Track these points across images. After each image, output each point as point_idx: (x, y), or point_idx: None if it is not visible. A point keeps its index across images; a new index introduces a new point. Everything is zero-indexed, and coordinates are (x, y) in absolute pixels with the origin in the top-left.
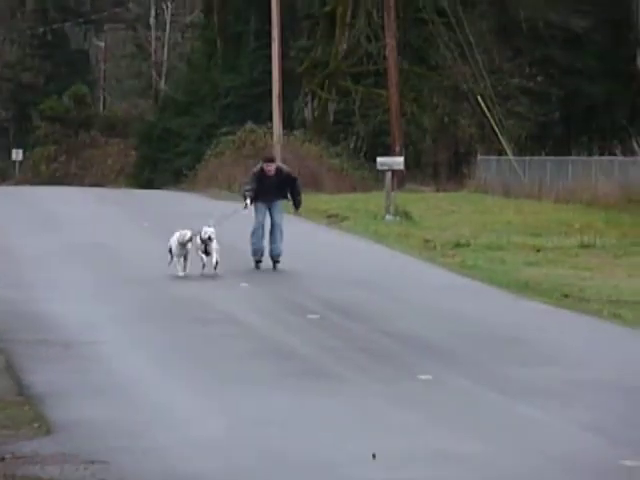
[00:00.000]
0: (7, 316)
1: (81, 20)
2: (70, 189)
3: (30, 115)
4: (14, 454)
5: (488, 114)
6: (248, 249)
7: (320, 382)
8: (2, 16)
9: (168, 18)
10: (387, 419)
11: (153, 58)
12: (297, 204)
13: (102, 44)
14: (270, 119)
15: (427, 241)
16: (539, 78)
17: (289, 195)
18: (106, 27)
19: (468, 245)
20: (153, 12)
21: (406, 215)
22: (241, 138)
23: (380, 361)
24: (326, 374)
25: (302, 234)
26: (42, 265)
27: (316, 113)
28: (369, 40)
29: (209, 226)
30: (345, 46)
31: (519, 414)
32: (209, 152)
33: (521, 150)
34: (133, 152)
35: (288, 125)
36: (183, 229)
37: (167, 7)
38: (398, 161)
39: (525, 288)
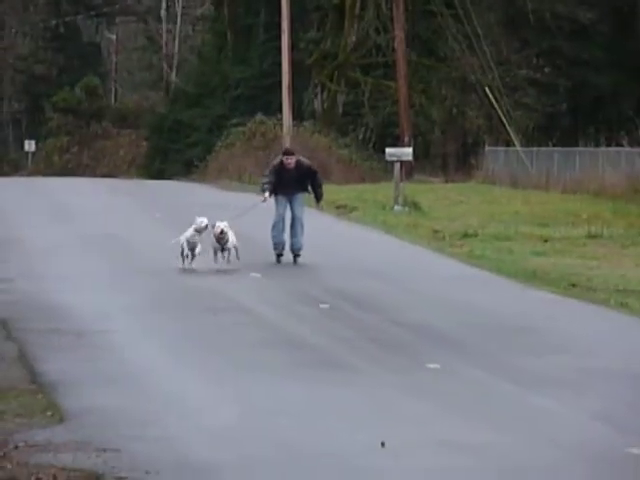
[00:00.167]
0: (20, 306)
1: (93, 13)
2: (82, 180)
3: (43, 107)
4: (27, 442)
5: (496, 105)
6: (263, 240)
7: (331, 371)
8: (15, 9)
9: (179, 11)
10: (398, 408)
11: (164, 50)
12: (318, 197)
13: (114, 37)
14: (280, 110)
15: (436, 231)
16: (546, 69)
17: (310, 188)
18: (118, 20)
19: (476, 235)
20: (164, 5)
21: (415, 206)
22: (251, 129)
23: (391, 351)
24: (337, 363)
25: (311, 224)
26: (55, 256)
27: (325, 104)
28: (378, 32)
29: (221, 220)
30: (354, 38)
31: (529, 403)
32: (219, 143)
33: (529, 141)
34: (144, 143)
35: (298, 116)
36: (197, 223)
37: (178, 0)
38: (407, 152)
39: (533, 278)
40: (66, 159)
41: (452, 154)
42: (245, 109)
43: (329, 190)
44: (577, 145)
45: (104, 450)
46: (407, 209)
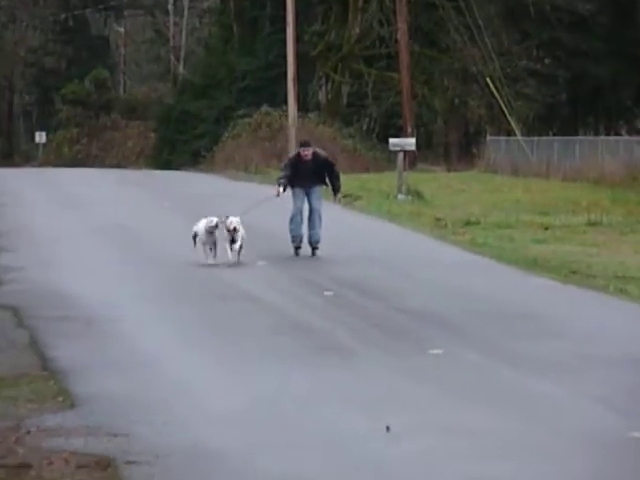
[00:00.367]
0: (31, 294)
1: (101, 6)
2: (91, 170)
3: (53, 99)
4: (39, 427)
5: (497, 95)
6: (270, 230)
7: (336, 357)
8: (25, 3)
9: (186, 4)
10: (401, 393)
11: (171, 43)
12: (336, 190)
13: (122, 30)
14: (285, 102)
15: (438, 220)
16: (546, 60)
17: (327, 180)
18: (126, 13)
19: (478, 223)
20: None
21: (418, 194)
22: (257, 120)
23: (394, 337)
24: (342, 349)
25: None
26: (65, 245)
27: (330, 96)
28: (381, 24)
29: (234, 216)
30: (358, 30)
31: (529, 388)
32: (226, 134)
33: (529, 130)
34: (152, 134)
35: (303, 107)
36: (207, 216)
37: None
38: (410, 142)
39: (534, 265)
40: (76, 150)
41: (454, 144)
42: (251, 100)
43: None
44: (577, 134)
45: (114, 435)
46: (410, 198)
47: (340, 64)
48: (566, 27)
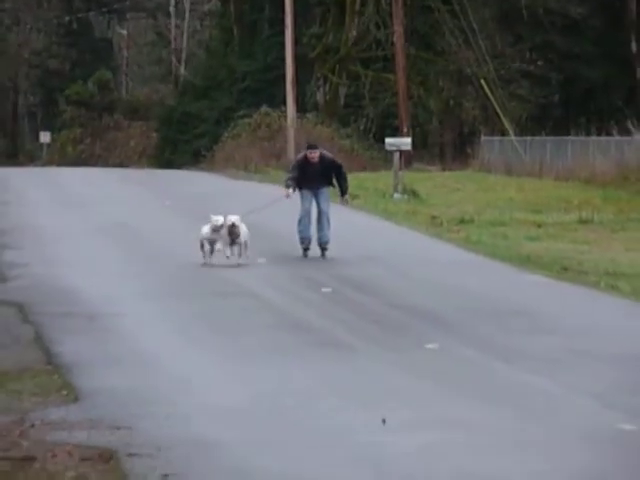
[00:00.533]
0: (35, 290)
1: (105, 9)
2: (95, 170)
3: (57, 100)
4: (43, 420)
5: (491, 97)
6: (271, 228)
7: (334, 352)
8: (29, 5)
9: (187, 7)
10: (398, 387)
11: (173, 45)
12: (343, 191)
13: (125, 32)
14: (284, 102)
15: (433, 218)
16: (539, 62)
17: (334, 182)
18: (128, 16)
19: (472, 221)
20: (173, 1)
21: (413, 193)
22: (257, 121)
23: (391, 332)
24: (340, 345)
25: (313, 212)
26: (68, 243)
27: (328, 97)
28: (378, 27)
29: (234, 214)
30: (355, 33)
31: (523, 383)
32: (226, 134)
33: (522, 131)
34: (154, 134)
35: (301, 108)
36: (212, 218)
37: None
38: (406, 142)
39: (527, 262)
40: (79, 150)
41: (449, 144)
42: (251, 101)
43: None
44: (569, 134)
45: (117, 428)
46: (406, 197)
47: (338, 66)
48: (559, 30)
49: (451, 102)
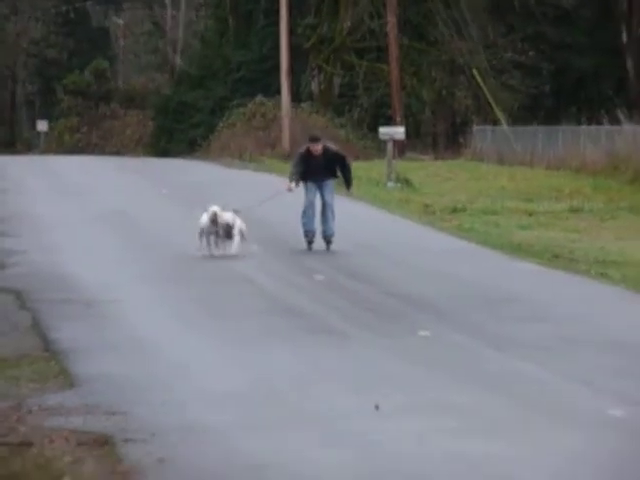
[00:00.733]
0: (33, 277)
1: None
2: (92, 158)
3: (54, 89)
4: (40, 406)
5: (483, 87)
6: (265, 218)
7: (328, 338)
8: None
9: None
10: (390, 373)
11: (169, 35)
12: (348, 183)
13: (121, 22)
14: (279, 92)
15: (426, 206)
16: (531, 53)
17: (339, 174)
18: (125, 6)
19: (465, 210)
20: None
21: (406, 182)
22: (251, 110)
23: (384, 319)
24: (333, 331)
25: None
26: (65, 230)
27: (322, 86)
28: (371, 17)
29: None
30: (349, 23)
31: (512, 368)
32: (221, 123)
33: (514, 120)
34: (150, 123)
35: (296, 98)
36: (208, 208)
37: None
38: (399, 131)
39: (518, 250)
40: (76, 138)
41: (442, 133)
42: (246, 91)
43: None
44: (560, 124)
45: (113, 413)
46: (399, 185)
47: (332, 56)
48: (550, 21)
49: (444, 92)
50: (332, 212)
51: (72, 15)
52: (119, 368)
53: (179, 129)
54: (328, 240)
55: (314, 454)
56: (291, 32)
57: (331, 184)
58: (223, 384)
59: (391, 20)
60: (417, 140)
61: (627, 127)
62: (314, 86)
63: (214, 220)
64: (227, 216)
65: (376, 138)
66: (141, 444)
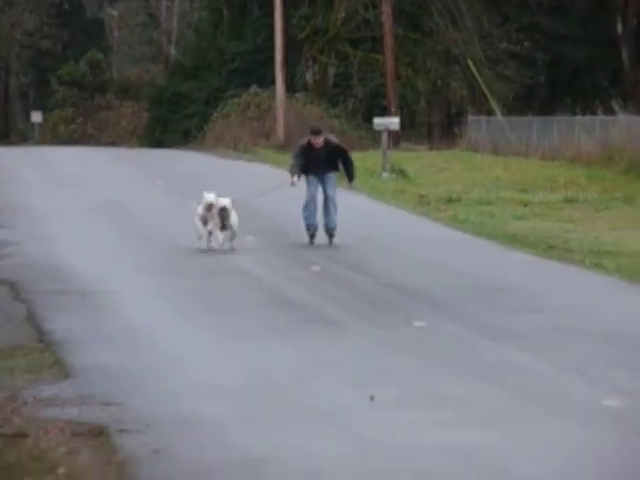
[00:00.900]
0: (27, 268)
1: None
2: (87, 149)
3: (49, 80)
4: (35, 397)
5: (478, 77)
6: (260, 208)
7: (324, 330)
8: None
9: None
10: (386, 364)
11: (163, 26)
12: (350, 176)
13: (116, 13)
14: (273, 83)
15: (421, 197)
16: (526, 43)
17: (341, 167)
18: None
19: (460, 200)
20: None
21: (401, 172)
22: (246, 101)
23: (379, 310)
24: (329, 322)
25: (302, 191)
26: (60, 221)
27: (317, 77)
28: (366, 8)
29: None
30: (344, 14)
31: (507, 358)
32: (216, 114)
33: (509, 111)
34: (145, 114)
35: (290, 88)
36: (209, 193)
37: None
38: (394, 121)
39: (513, 240)
40: (71, 129)
41: (437, 123)
42: (240, 82)
43: None
44: (554, 114)
45: (108, 404)
46: (394, 176)
47: (326, 46)
48: (545, 11)
49: (439, 82)
50: (334, 205)
51: (66, 6)
52: (114, 359)
53: (173, 120)
54: (331, 233)
55: (311, 447)
56: (285, 23)
57: (333, 177)
58: (219, 376)
59: (386, 10)
60: (412, 130)
61: (622, 117)
62: (308, 77)
63: (209, 209)
64: (224, 200)
65: (371, 128)
66: (136, 435)
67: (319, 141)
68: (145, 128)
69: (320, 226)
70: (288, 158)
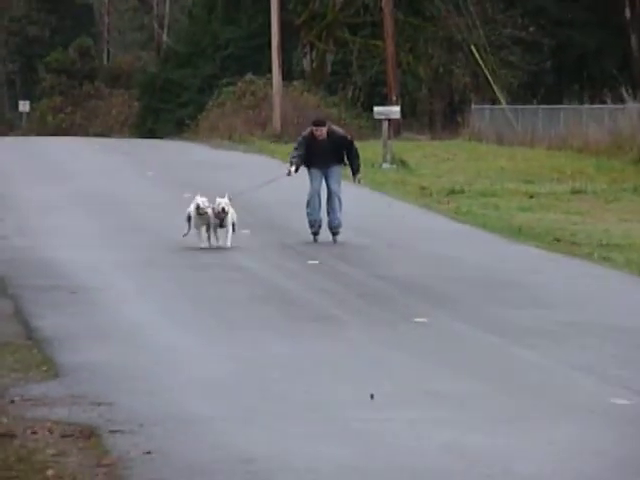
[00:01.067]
0: (15, 263)
1: None
2: (76, 139)
3: (36, 67)
4: (23, 396)
5: (482, 64)
6: (258, 200)
7: (321, 325)
8: None
9: None
10: (385, 361)
11: (155, 11)
12: (355, 170)
13: None
14: (270, 70)
15: (423, 188)
16: (531, 28)
17: (346, 160)
18: None
19: (463, 192)
20: None
21: (402, 163)
22: (241, 89)
23: (379, 305)
24: (326, 318)
25: (300, 182)
26: (49, 214)
27: (314, 64)
28: None
29: (223, 197)
30: None
31: (513, 355)
32: (210, 102)
33: (514, 99)
34: (136, 103)
35: (287, 76)
36: (202, 196)
37: None
38: (394, 110)
39: (518, 233)
40: (60, 119)
41: (439, 112)
42: (235, 69)
43: None
44: (561, 102)
45: (98, 404)
46: (395, 166)
47: (324, 32)
48: None
49: (441, 69)
50: (339, 201)
51: None
52: (105, 357)
53: (166, 109)
54: (334, 231)
55: (308, 446)
56: (282, 7)
57: (337, 171)
58: (213, 373)
59: None
60: (413, 119)
61: (631, 106)
62: (306, 64)
63: (200, 212)
64: (222, 201)
65: (371, 117)
66: (128, 435)
67: (322, 132)
68: (136, 117)
69: (324, 223)
70: (285, 149)
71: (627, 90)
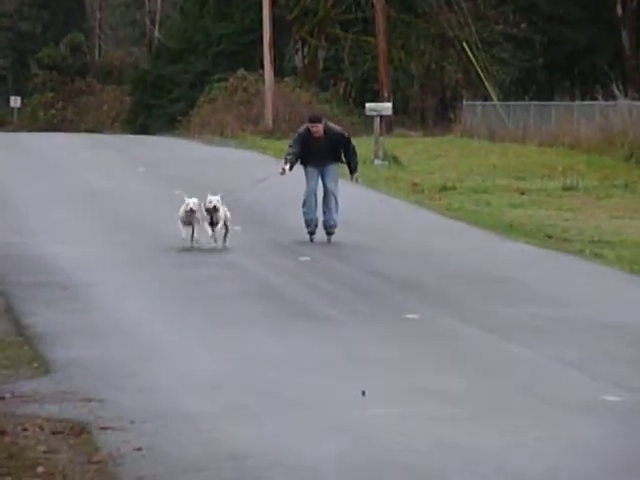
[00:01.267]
0: (5, 260)
1: None
2: (67, 135)
3: (28, 63)
4: (14, 393)
5: (473, 60)
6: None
7: (312, 322)
8: None
9: None
10: (377, 358)
11: (147, 7)
12: (352, 168)
13: None
14: (261, 66)
15: (415, 184)
16: (523, 25)
17: (343, 158)
18: None
19: (454, 188)
20: None
21: (394, 159)
22: (233, 85)
23: (370, 302)
24: (318, 315)
25: (292, 178)
26: (39, 210)
27: (306, 60)
28: None
29: (214, 194)
30: None
31: (504, 351)
32: (202, 98)
33: (506, 95)
34: (128, 99)
35: (279, 72)
36: (191, 197)
37: None
38: (386, 107)
39: (510, 229)
40: (51, 115)
41: (431, 108)
42: (227, 65)
43: None
44: (553, 99)
45: (89, 400)
46: (387, 163)
47: (316, 28)
48: None
49: (433, 66)
50: (335, 200)
51: None
52: (96, 353)
53: (158, 105)
54: (329, 231)
55: (300, 443)
56: (274, 3)
57: (334, 169)
58: (204, 370)
59: None
60: (405, 116)
61: (622, 102)
62: (298, 60)
63: (190, 214)
64: (213, 198)
65: (362, 114)
66: (119, 432)
67: (318, 129)
68: (128, 113)
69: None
70: (277, 145)
71: (618, 87)
